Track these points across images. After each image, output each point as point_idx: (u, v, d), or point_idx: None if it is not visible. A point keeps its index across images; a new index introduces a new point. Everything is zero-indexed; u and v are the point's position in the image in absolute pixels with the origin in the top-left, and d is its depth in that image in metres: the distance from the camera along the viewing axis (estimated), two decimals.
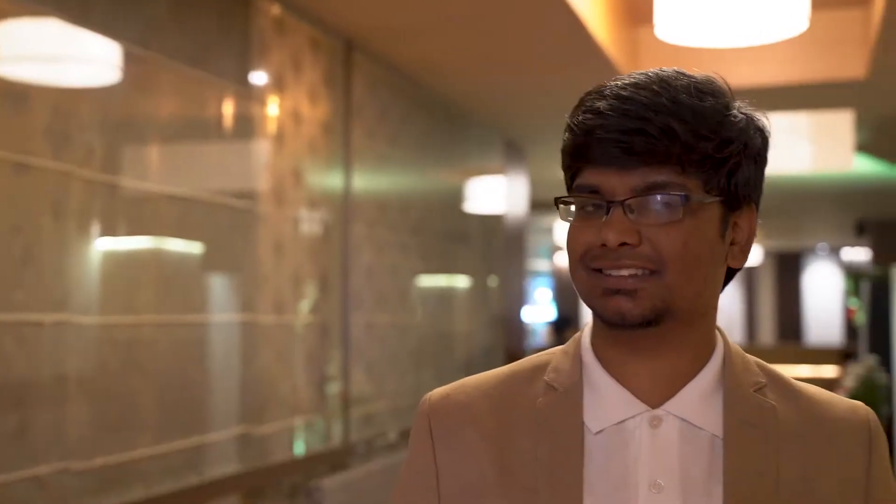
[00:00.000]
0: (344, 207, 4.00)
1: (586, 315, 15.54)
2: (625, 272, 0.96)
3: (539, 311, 13.72)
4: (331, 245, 3.92)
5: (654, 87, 0.96)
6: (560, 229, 11.23)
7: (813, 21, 3.54)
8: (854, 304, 9.39)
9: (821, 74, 4.50)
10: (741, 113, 1.00)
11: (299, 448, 3.67)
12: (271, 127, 3.52)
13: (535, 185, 7.16)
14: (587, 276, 0.98)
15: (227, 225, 3.27)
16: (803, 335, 17.16)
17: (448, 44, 4.20)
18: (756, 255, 15.03)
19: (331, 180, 3.94)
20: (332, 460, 3.87)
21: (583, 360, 1.05)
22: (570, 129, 0.99)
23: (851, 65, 4.48)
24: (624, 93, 0.96)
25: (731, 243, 1.03)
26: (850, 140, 5.41)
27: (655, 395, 1.01)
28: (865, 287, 8.77)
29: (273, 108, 3.53)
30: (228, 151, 3.38)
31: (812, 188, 8.79)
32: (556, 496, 0.98)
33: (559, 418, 1.02)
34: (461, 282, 5.56)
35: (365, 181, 4.22)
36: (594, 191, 0.97)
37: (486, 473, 1.02)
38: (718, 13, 3.31)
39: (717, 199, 0.98)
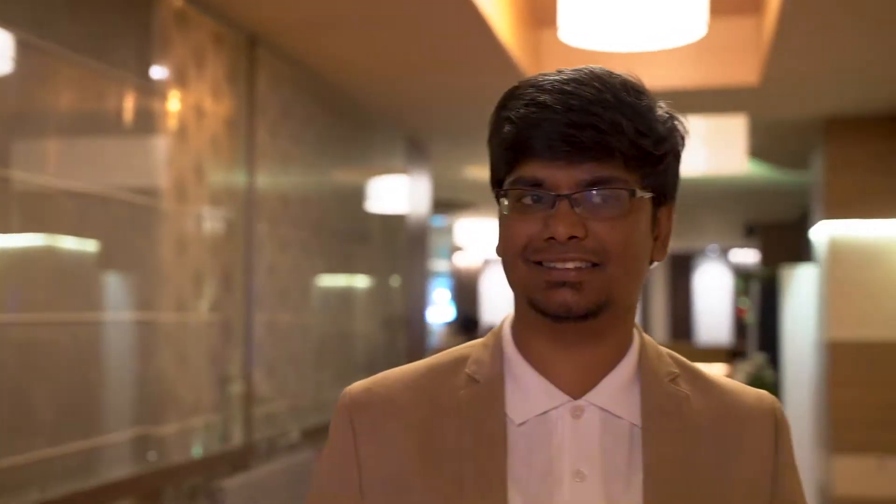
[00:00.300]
0: (247, 205, 3.95)
1: (491, 315, 15.59)
2: (570, 265, 0.97)
3: (438, 311, 13.78)
4: (234, 243, 3.87)
5: (595, 83, 0.98)
6: (461, 230, 11.30)
7: (710, 27, 3.63)
8: (744, 303, 9.68)
9: (717, 80, 4.63)
10: (665, 112, 1.03)
11: (199, 449, 3.60)
12: (173, 122, 3.44)
13: (436, 185, 7.19)
14: (528, 269, 0.99)
15: (127, 221, 3.20)
16: (694, 334, 17.62)
17: (352, 41, 4.18)
18: None
19: (234, 177, 3.88)
20: (233, 461, 3.81)
21: (504, 353, 1.06)
22: (510, 121, 0.99)
23: (745, 71, 4.63)
24: (567, 87, 0.97)
25: (655, 238, 1.05)
26: (744, 144, 5.59)
27: (577, 385, 1.03)
28: (755, 287, 9.06)
29: (175, 103, 3.45)
30: (128, 146, 3.30)
31: (704, 191, 9.04)
32: (480, 487, 0.99)
33: (482, 410, 1.03)
34: (363, 281, 5.55)
35: (268, 179, 4.17)
36: (536, 184, 0.98)
37: (410, 465, 1.02)
38: (620, 18, 3.37)
39: (651, 195, 1.01)
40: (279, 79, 4.29)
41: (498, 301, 15.64)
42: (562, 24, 3.48)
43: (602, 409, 1.02)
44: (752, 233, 12.29)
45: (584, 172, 0.97)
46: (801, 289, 6.74)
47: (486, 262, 15.85)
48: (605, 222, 0.97)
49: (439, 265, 13.76)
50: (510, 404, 1.03)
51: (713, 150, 5.70)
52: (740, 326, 11.69)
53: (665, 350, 1.12)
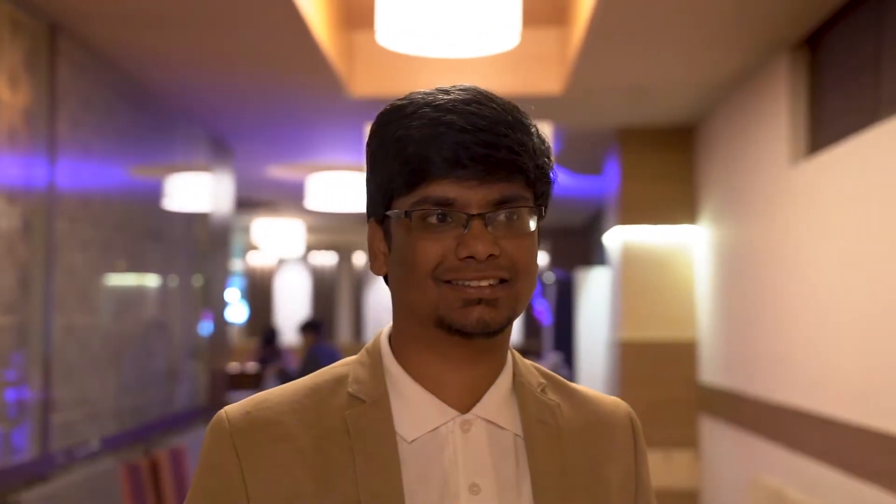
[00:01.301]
0: (47, 201, 3.73)
1: (285, 316, 15.29)
2: (484, 283, 0.98)
3: (232, 311, 13.48)
4: (31, 241, 3.64)
5: (493, 104, 1.00)
6: (260, 229, 11.09)
7: (521, 37, 3.74)
8: (541, 304, 10.05)
9: (525, 88, 4.77)
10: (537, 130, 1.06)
11: None
12: None
13: (237, 184, 7.04)
14: (438, 288, 0.99)
15: None
16: None
17: (157, 33, 4.03)
18: None
19: (32, 171, 3.66)
20: (29, 472, 3.59)
21: (386, 370, 1.06)
22: (411, 140, 0.98)
23: (551, 81, 4.80)
24: (470, 108, 0.98)
25: None
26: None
27: (463, 400, 1.04)
28: (551, 289, 9.40)
29: None
30: None
31: None
32: None
33: (371, 430, 1.02)
34: (165, 281, 5.35)
35: (69, 173, 3.96)
36: (445, 203, 0.98)
37: (303, 490, 0.99)
38: (436, 24, 3.42)
39: (544, 211, 1.04)
40: (81, 69, 4.08)
41: (291, 302, 15.46)
42: (379, 27, 3.49)
43: (488, 421, 1.04)
44: (540, 236, 12.67)
45: (494, 192, 0.98)
46: (594, 291, 7.04)
47: (281, 262, 15.65)
48: (514, 240, 0.99)
49: (235, 265, 13.47)
50: (399, 422, 1.02)
51: None
52: (532, 327, 12.10)
53: (529, 361, 1.15)
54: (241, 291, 14.41)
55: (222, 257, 6.50)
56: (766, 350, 4.45)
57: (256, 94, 5.10)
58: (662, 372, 5.78)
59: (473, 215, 0.97)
